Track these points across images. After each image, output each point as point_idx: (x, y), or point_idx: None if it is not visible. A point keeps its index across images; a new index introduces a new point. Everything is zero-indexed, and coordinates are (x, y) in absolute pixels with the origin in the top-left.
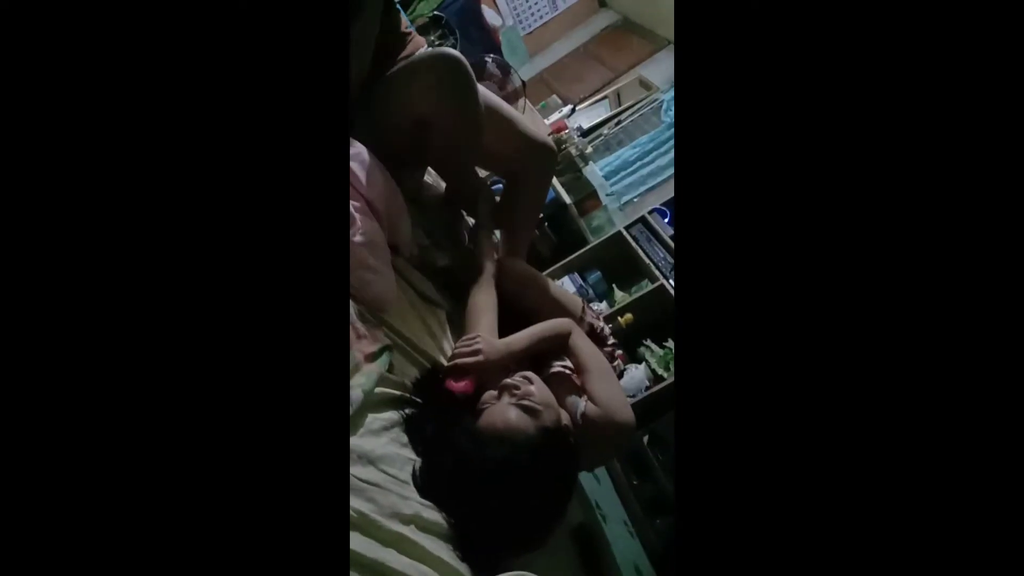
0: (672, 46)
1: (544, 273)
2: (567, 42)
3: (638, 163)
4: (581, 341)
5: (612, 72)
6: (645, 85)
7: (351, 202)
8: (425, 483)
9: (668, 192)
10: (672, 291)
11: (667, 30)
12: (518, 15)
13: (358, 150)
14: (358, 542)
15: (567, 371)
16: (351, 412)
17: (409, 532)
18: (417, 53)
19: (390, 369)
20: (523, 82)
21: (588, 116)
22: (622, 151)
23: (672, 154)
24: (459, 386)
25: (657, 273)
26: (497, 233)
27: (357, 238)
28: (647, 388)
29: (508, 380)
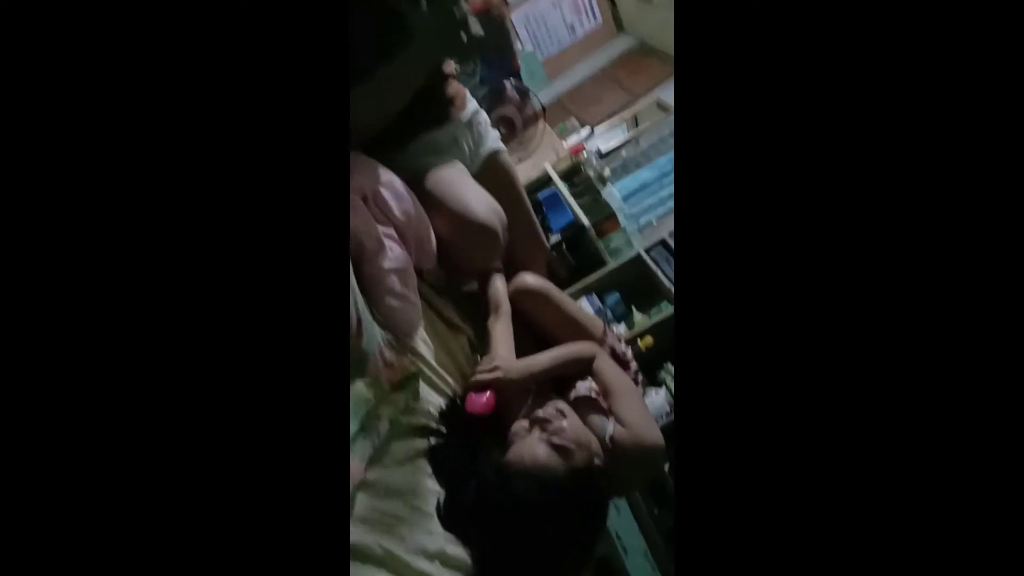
0: None
1: None
2: (585, 66)
3: (656, 185)
4: (606, 363)
5: (630, 95)
6: (663, 108)
7: (380, 228)
8: (449, 516)
9: None
10: None
11: None
12: (537, 41)
13: (389, 178)
14: None
15: (594, 394)
16: (378, 442)
17: (434, 569)
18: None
19: (416, 397)
20: (543, 107)
21: (606, 139)
22: (640, 173)
23: None
24: (479, 401)
25: None
26: None
27: (386, 264)
28: (668, 413)
29: (541, 413)
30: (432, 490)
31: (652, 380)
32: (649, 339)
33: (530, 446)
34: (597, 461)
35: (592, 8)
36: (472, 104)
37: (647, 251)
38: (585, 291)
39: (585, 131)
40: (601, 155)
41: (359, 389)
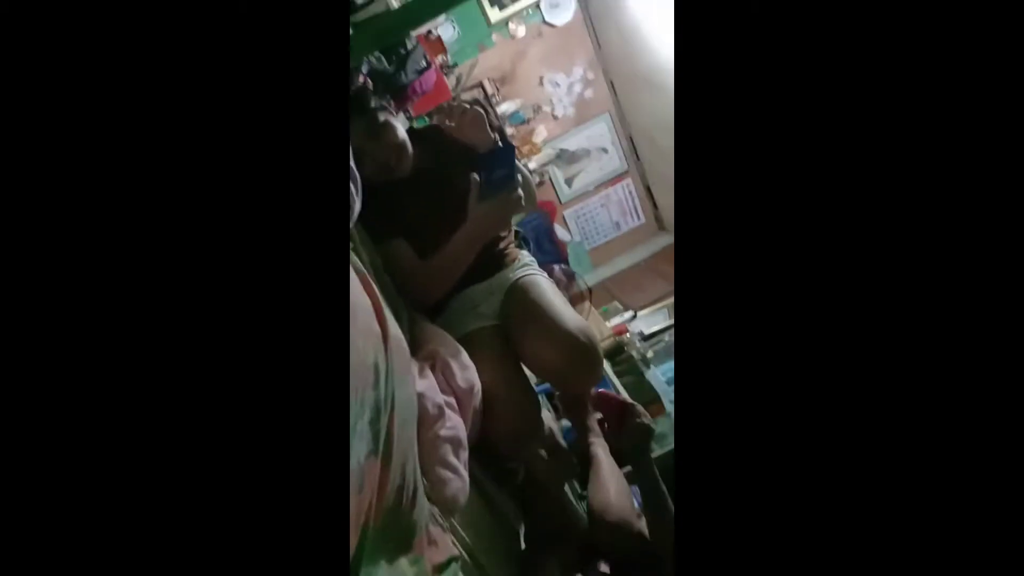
0: None
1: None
2: (629, 257)
3: None
4: None
5: (671, 284)
6: None
7: (443, 397)
8: None
9: None
10: None
11: None
12: (585, 233)
13: (456, 349)
14: None
15: None
16: None
17: None
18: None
19: None
20: (589, 288)
21: (648, 322)
22: None
23: None
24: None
25: None
26: None
27: (443, 432)
28: None
29: None
30: None
31: None
32: None
33: None
34: None
35: (636, 210)
36: (524, 258)
37: None
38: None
39: (628, 314)
40: (644, 337)
41: (402, 567)
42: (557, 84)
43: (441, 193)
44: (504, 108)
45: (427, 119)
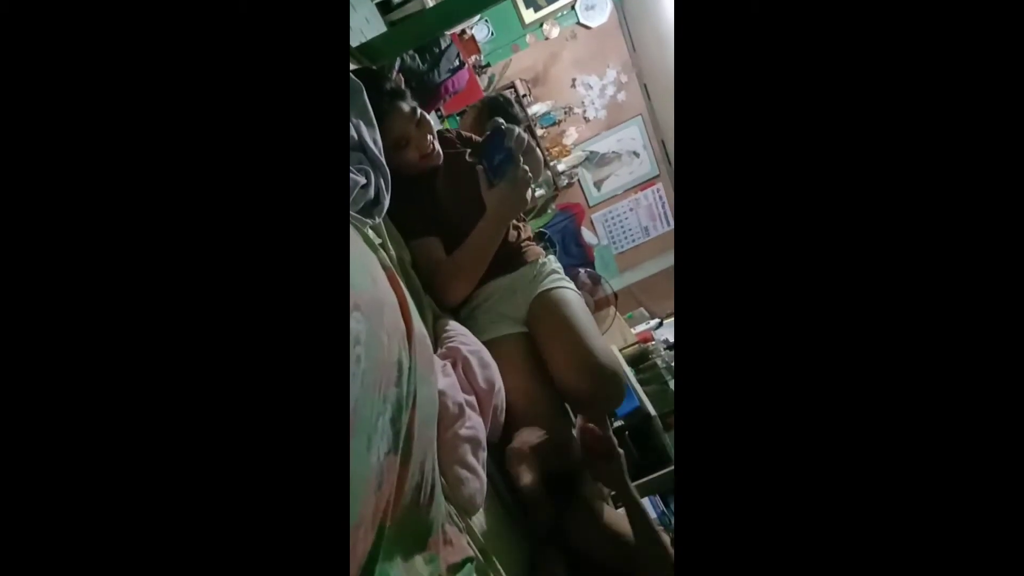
0: None
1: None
2: (657, 263)
3: None
4: None
5: None
6: None
7: (464, 396)
8: None
9: None
10: None
11: None
12: (612, 237)
13: (478, 347)
14: None
15: None
16: None
17: None
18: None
19: None
20: (615, 292)
21: (674, 331)
22: None
23: None
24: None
25: None
26: None
27: (462, 432)
28: None
29: None
30: None
31: None
32: None
33: None
34: None
35: (666, 215)
36: (552, 263)
37: None
38: (646, 490)
39: (654, 321)
40: (669, 346)
41: (417, 565)
42: (589, 86)
43: (462, 188)
44: (535, 109)
45: (458, 118)
